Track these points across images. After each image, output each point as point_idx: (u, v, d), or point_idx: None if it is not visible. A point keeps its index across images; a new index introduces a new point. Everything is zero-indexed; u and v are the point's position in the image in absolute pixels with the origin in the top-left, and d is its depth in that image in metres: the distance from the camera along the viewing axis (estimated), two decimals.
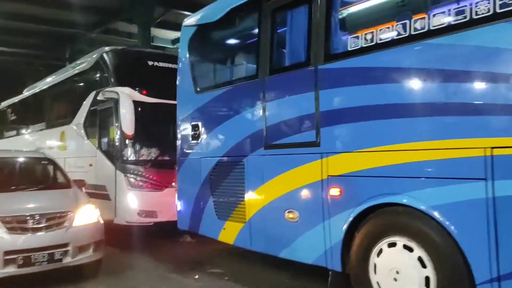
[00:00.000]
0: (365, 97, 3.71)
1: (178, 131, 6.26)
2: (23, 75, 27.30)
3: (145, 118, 7.70)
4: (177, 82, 6.32)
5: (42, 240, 4.95)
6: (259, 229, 4.80)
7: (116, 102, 7.74)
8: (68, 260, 5.08)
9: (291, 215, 4.39)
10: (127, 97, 7.53)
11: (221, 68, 6.04)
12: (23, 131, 12.79)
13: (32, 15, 17.82)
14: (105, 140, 8.35)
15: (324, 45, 4.09)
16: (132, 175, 7.65)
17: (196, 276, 5.53)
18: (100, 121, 8.42)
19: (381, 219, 3.65)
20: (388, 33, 3.60)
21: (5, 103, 14.93)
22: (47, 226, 5.03)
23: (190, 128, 5.95)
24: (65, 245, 5.08)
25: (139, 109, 7.59)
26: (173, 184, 7.65)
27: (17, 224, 4.90)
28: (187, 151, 6.03)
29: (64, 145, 9.90)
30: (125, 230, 7.94)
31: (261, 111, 4.76)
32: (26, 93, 13.46)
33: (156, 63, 8.71)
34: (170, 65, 8.85)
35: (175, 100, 8.13)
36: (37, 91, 12.20)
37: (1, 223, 4.85)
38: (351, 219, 3.81)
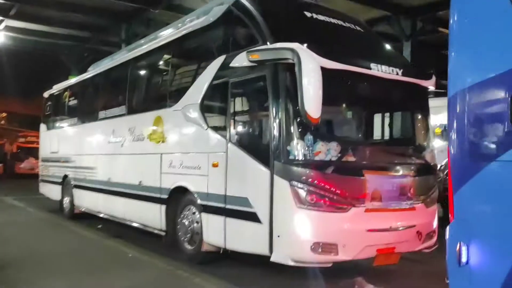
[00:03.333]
0: None
1: (453, 109, 3.32)
2: (65, 63, 24.89)
3: (331, 95, 4.86)
4: (453, 24, 3.38)
5: None
6: None
7: (273, 70, 5.03)
8: None
9: None
10: (312, 59, 4.63)
11: None
12: (88, 118, 10.07)
13: None
14: (248, 127, 5.57)
15: None
16: (303, 184, 4.77)
17: None
18: (237, 99, 5.63)
19: None
20: None
21: (61, 85, 12.32)
22: None
23: (498, 104, 3.01)
24: None
25: (324, 79, 4.70)
26: (363, 201, 4.91)
27: None
28: (489, 148, 3.10)
29: (161, 135, 7.11)
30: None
31: None
32: (93, 70, 10.73)
33: (315, 15, 5.92)
34: (337, 21, 6.14)
35: (363, 67, 5.34)
36: (113, 65, 9.44)
37: None
38: None
